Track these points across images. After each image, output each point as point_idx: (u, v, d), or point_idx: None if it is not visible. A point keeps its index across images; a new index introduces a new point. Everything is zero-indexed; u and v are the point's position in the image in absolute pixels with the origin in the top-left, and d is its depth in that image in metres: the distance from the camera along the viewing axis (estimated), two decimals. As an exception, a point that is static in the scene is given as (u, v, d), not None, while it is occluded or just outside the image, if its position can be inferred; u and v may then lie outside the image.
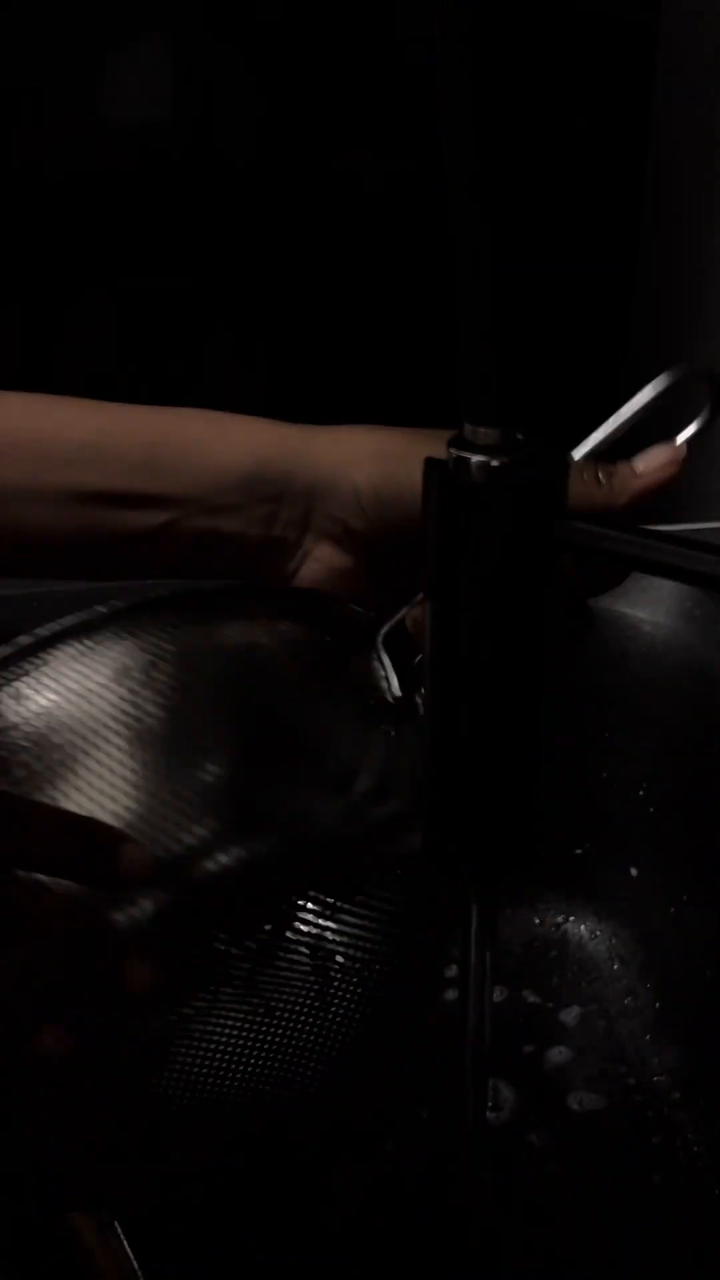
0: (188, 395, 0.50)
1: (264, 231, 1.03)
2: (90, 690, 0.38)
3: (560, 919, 0.72)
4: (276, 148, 1.01)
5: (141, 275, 1.02)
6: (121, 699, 0.38)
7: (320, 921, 0.40)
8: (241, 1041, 0.39)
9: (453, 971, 0.70)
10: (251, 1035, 0.39)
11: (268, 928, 0.39)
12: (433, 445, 0.36)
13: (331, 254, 1.04)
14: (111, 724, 0.38)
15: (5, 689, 0.38)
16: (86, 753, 0.37)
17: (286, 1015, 0.39)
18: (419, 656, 0.43)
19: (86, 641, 0.39)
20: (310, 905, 0.39)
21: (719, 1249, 0.57)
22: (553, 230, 1.08)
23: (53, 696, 0.38)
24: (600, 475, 0.44)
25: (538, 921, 0.72)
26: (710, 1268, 0.57)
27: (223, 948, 0.38)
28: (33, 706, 0.38)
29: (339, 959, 0.40)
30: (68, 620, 0.40)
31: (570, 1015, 0.69)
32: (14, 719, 0.38)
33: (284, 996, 0.39)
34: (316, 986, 0.40)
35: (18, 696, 0.38)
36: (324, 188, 1.03)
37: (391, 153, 1.03)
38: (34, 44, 0.94)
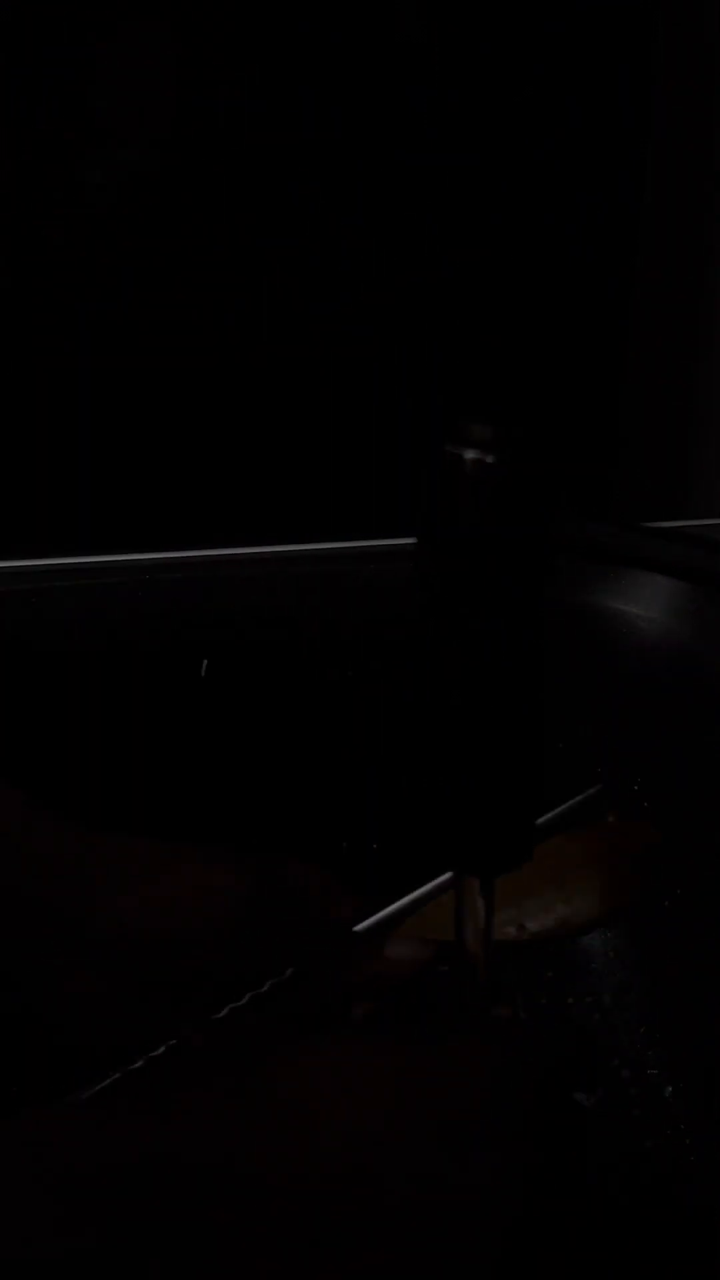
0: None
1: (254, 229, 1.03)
2: None
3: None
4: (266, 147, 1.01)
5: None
6: None
7: None
8: None
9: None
10: None
11: None
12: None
13: (322, 249, 1.05)
14: None
15: None
16: None
17: None
18: None
19: None
20: None
21: (712, 1248, 0.58)
22: (552, 227, 1.08)
23: None
24: None
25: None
26: (704, 1266, 0.57)
27: None
28: None
29: None
30: None
31: (563, 1011, 0.69)
32: None
33: None
34: None
35: None
36: (320, 180, 1.03)
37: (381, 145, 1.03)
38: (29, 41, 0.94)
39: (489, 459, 0.33)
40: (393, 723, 0.66)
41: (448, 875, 0.49)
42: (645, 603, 0.68)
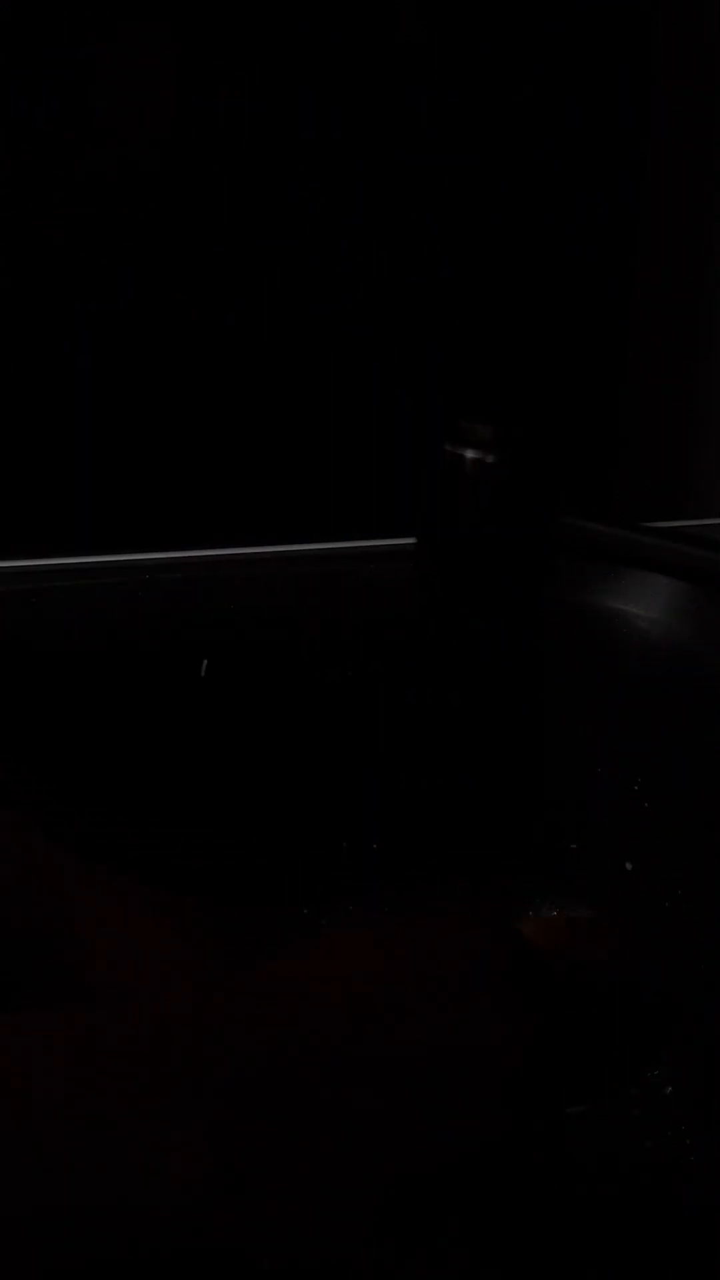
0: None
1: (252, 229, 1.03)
2: None
3: (553, 914, 0.73)
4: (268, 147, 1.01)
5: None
6: None
7: None
8: None
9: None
10: None
11: None
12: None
13: (322, 249, 1.05)
14: None
15: None
16: None
17: None
18: None
19: None
20: None
21: (712, 1248, 0.58)
22: (552, 227, 1.08)
23: None
24: None
25: (531, 916, 0.73)
26: (704, 1266, 0.57)
27: None
28: None
29: None
30: None
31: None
32: None
33: None
34: None
35: None
36: (319, 180, 1.03)
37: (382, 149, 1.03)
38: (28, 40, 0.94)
39: (489, 459, 0.33)
40: (393, 723, 0.66)
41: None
42: (645, 603, 0.68)
